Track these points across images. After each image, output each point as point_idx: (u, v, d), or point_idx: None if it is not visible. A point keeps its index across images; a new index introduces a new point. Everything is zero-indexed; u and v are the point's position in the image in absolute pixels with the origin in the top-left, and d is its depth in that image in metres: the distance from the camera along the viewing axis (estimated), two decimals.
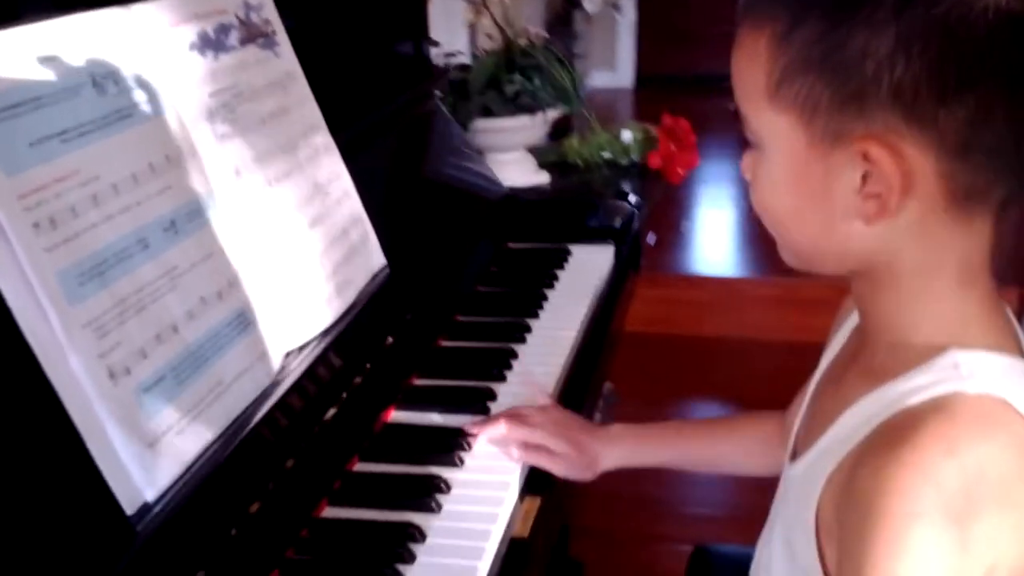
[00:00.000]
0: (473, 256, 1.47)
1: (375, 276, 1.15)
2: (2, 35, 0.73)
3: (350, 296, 1.08)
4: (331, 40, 1.34)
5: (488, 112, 2.23)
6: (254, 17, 1.04)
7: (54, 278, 0.71)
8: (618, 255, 1.54)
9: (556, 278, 1.44)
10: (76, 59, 0.78)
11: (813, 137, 0.67)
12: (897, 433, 0.65)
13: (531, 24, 2.82)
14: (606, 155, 2.65)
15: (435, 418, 1.09)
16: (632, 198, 1.66)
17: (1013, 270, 0.88)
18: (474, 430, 1.04)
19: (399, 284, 1.18)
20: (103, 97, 0.80)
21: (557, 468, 1.03)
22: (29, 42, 0.75)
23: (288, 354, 0.97)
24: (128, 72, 0.84)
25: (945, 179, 0.65)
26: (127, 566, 0.70)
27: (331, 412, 1.00)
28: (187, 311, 0.83)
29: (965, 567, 0.62)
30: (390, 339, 1.14)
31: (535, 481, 1.02)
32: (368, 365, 1.08)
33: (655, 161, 2.60)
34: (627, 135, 2.65)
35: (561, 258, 1.51)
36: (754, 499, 2.16)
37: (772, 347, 2.79)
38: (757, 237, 3.28)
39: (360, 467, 1.02)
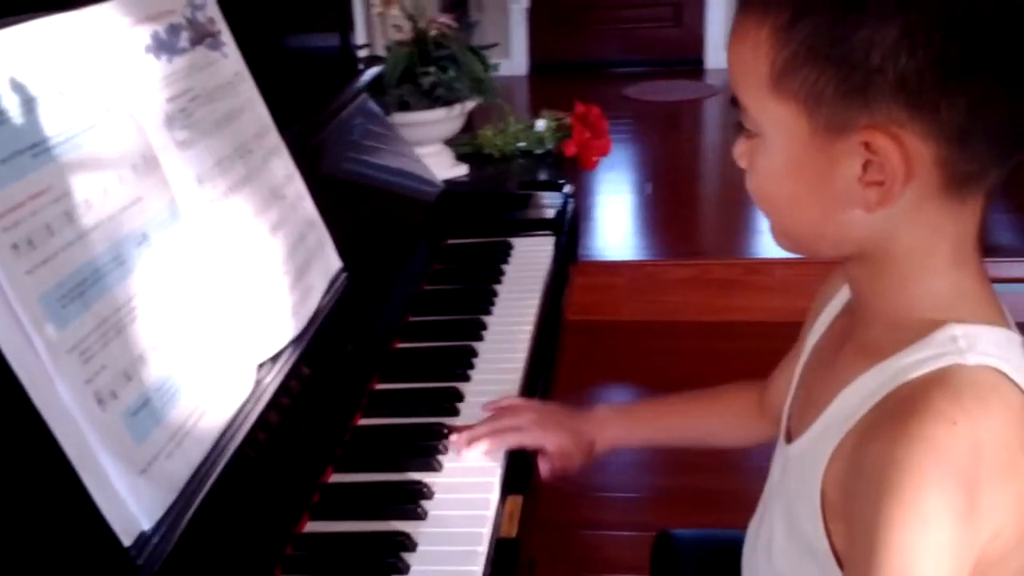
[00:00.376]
0: (415, 255, 1.45)
1: (334, 280, 1.12)
2: None
3: (314, 302, 1.05)
4: (259, 36, 1.30)
5: (405, 106, 2.21)
6: (200, 17, 1.00)
7: (37, 302, 0.66)
8: (558, 245, 1.54)
9: (502, 272, 1.43)
10: (36, 68, 0.74)
11: (816, 127, 0.67)
12: (902, 406, 0.67)
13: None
14: (521, 145, 2.66)
15: (405, 422, 1.07)
16: (566, 187, 1.66)
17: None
18: (461, 446, 1.01)
19: (354, 287, 1.15)
20: (68, 107, 0.75)
21: (562, 461, 1.02)
22: None
23: (261, 365, 0.93)
24: (89, 80, 0.79)
25: (943, 166, 0.66)
26: None
27: (303, 423, 0.97)
28: (165, 328, 0.79)
29: (973, 533, 0.64)
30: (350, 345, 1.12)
31: (515, 479, 1.01)
32: (333, 372, 1.05)
33: (570, 149, 2.62)
34: (541, 124, 2.66)
35: (504, 252, 1.50)
36: (709, 482, 2.20)
37: (690, 328, 2.84)
38: (667, 220, 3.33)
39: (337, 478, 0.99)
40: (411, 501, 0.94)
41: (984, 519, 0.64)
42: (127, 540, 0.69)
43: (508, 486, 1.00)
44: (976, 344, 0.68)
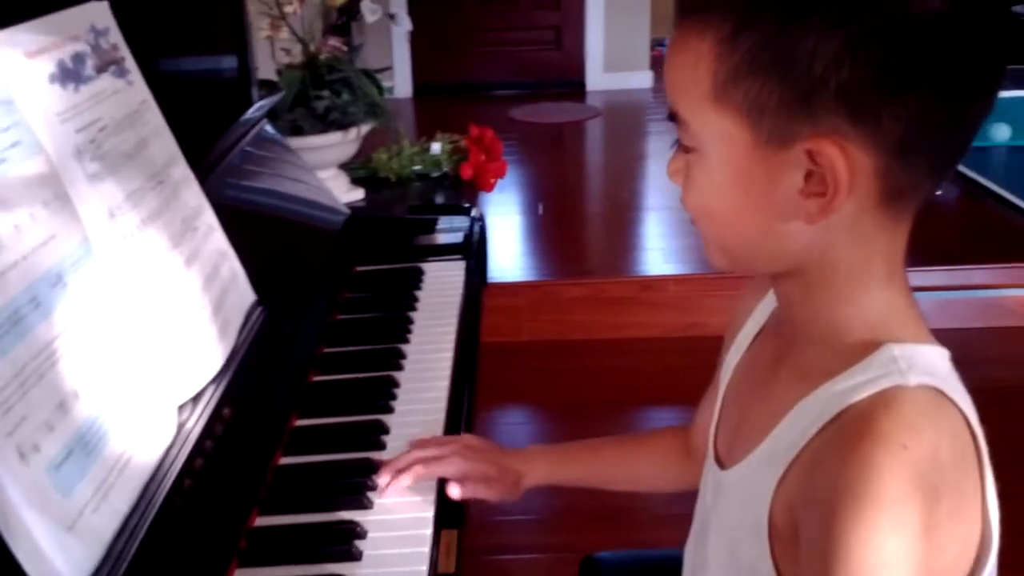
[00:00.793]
0: (325, 284, 1.41)
1: (249, 314, 1.08)
2: None
3: (231, 338, 1.01)
4: (154, 61, 1.25)
5: (298, 130, 2.16)
6: (103, 43, 0.95)
7: None
8: (468, 269, 1.53)
9: (416, 299, 1.41)
10: None
11: (759, 138, 0.67)
12: (849, 431, 0.67)
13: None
14: (417, 168, 2.62)
15: (330, 459, 1.04)
16: (473, 211, 1.64)
17: None
18: (385, 481, 0.99)
19: (270, 320, 1.11)
20: None
21: (485, 494, 1.00)
22: None
23: (182, 407, 0.89)
24: None
25: (882, 177, 0.67)
26: None
27: (227, 465, 0.93)
28: (84, 373, 0.75)
29: (928, 553, 0.65)
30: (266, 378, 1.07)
31: (448, 513, 0.99)
32: (254, 410, 1.01)
33: (467, 172, 2.60)
34: (436, 147, 2.63)
35: (416, 278, 1.47)
36: (619, 499, 2.18)
37: (589, 346, 2.86)
38: (559, 240, 3.35)
39: (263, 521, 0.95)
40: (344, 542, 0.91)
41: (937, 539, 0.65)
42: None
43: (442, 521, 0.97)
44: (915, 364, 0.68)
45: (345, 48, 2.42)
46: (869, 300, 0.72)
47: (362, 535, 0.92)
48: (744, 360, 0.88)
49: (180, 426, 0.87)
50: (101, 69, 0.93)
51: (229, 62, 1.50)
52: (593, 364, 2.81)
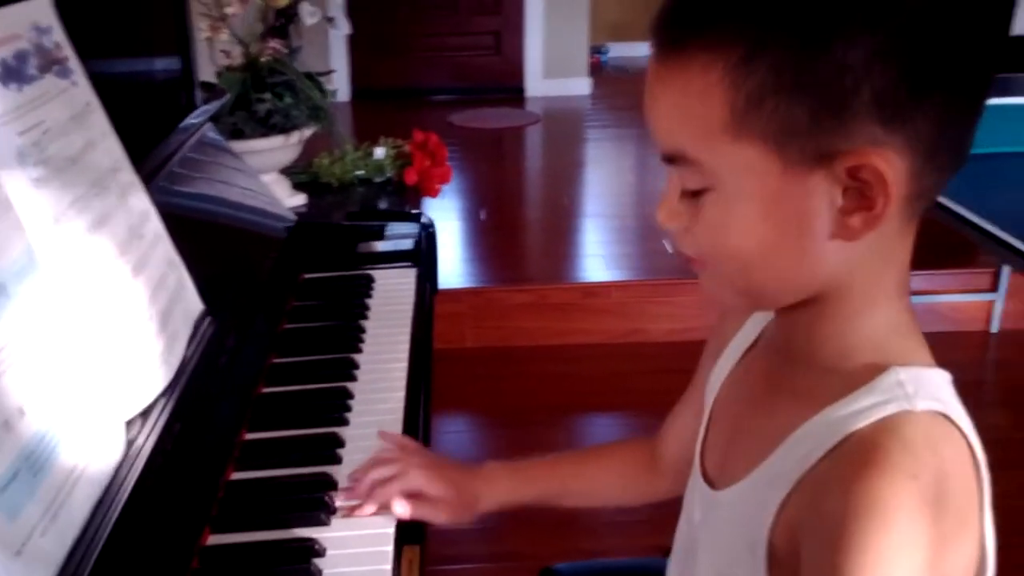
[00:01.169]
0: (272, 292, 1.37)
1: (198, 324, 1.04)
2: None
3: (180, 350, 0.97)
4: (95, 60, 1.20)
5: (239, 134, 2.11)
6: (46, 42, 0.91)
7: None
8: (419, 276, 1.50)
9: (367, 307, 1.38)
10: None
11: (788, 162, 0.63)
12: (856, 458, 0.64)
13: None
14: (360, 173, 2.58)
15: (284, 474, 1.01)
16: (423, 217, 1.62)
17: None
18: (342, 502, 0.96)
19: (218, 330, 1.07)
20: None
21: (440, 516, 0.97)
22: None
23: (130, 422, 0.85)
24: None
25: (914, 180, 0.64)
26: None
27: (178, 482, 0.89)
28: (30, 389, 0.71)
29: None
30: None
31: (409, 529, 0.96)
32: (204, 425, 0.98)
33: (411, 177, 2.57)
34: (379, 152, 2.59)
35: (366, 285, 1.44)
36: (584, 510, 2.15)
37: (533, 352, 2.85)
38: (501, 246, 3.34)
39: (216, 539, 0.91)
40: (301, 560, 0.88)
41: (941, 568, 0.63)
42: None
43: (403, 537, 0.95)
44: (921, 388, 0.66)
45: (286, 50, 2.37)
46: (877, 318, 0.70)
47: (320, 553, 0.89)
48: (735, 375, 0.84)
49: (129, 442, 0.83)
50: (44, 69, 0.89)
51: (171, 64, 1.46)
52: (537, 370, 2.80)
